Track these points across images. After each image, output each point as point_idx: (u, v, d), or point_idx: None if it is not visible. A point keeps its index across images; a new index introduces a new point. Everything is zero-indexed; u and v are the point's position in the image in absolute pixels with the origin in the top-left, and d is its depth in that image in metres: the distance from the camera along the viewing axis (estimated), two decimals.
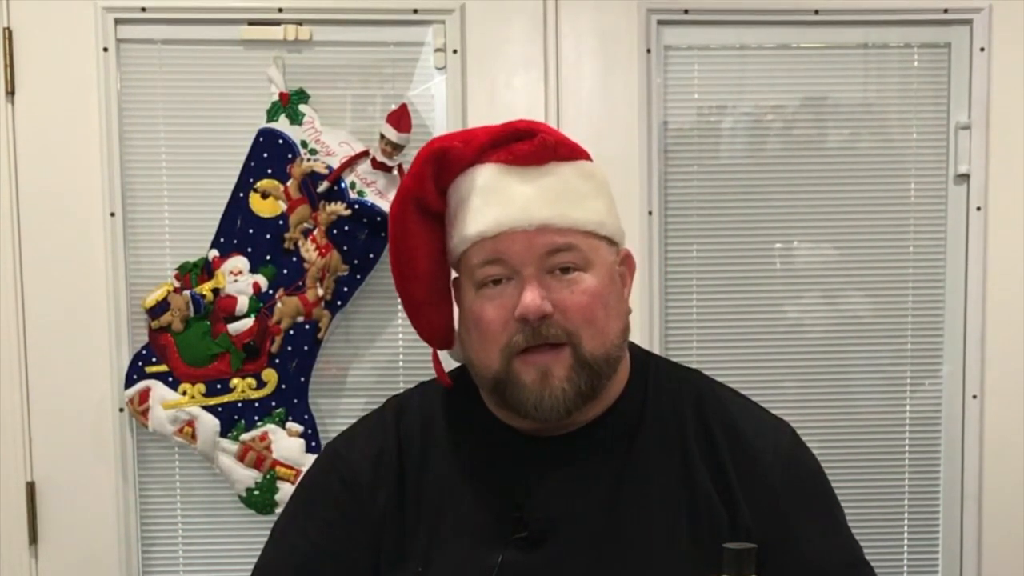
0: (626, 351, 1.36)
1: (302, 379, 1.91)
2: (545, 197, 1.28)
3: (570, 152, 1.33)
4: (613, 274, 1.32)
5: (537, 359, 1.27)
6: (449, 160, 1.30)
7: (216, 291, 1.88)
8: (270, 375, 1.90)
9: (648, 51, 1.92)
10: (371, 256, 1.88)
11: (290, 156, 1.87)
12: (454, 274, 1.37)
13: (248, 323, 1.88)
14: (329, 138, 1.88)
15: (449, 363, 1.43)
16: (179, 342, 1.88)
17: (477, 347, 1.30)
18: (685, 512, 1.31)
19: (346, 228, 1.87)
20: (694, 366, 1.47)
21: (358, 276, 1.89)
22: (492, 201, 1.28)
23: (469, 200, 1.29)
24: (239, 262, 1.88)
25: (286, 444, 1.90)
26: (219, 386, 1.89)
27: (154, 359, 1.89)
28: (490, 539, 1.30)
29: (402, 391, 1.48)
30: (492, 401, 1.35)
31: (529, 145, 1.29)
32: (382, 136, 1.86)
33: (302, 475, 1.49)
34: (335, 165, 1.87)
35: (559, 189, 1.29)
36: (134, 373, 1.89)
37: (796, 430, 1.41)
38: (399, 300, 1.39)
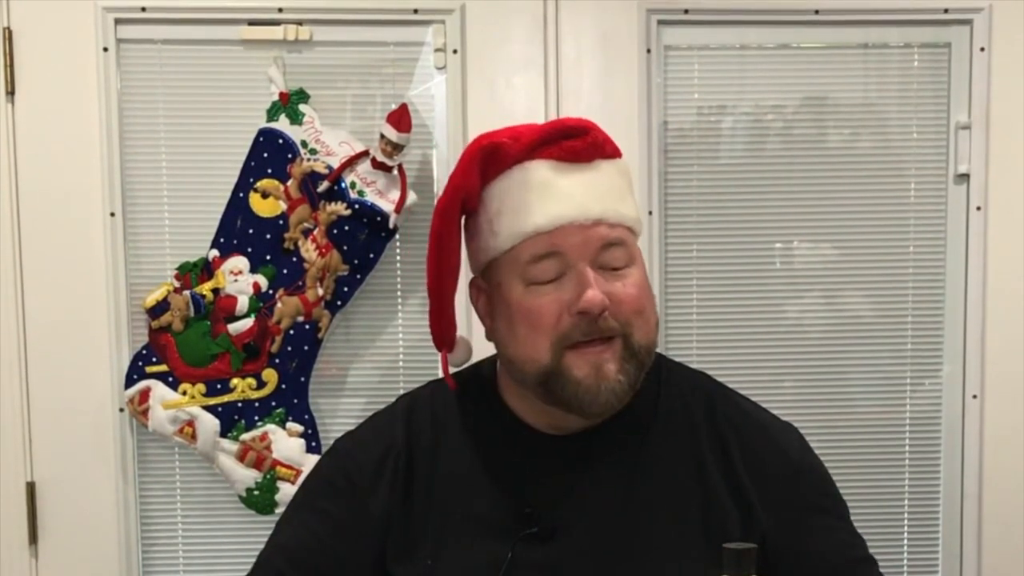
0: None
1: (302, 379, 1.91)
2: (596, 193, 1.29)
3: (614, 150, 1.34)
4: (646, 270, 1.34)
5: (590, 353, 1.26)
6: (499, 157, 1.30)
7: (216, 291, 1.88)
8: (270, 375, 1.90)
9: (648, 51, 1.92)
10: (371, 256, 1.88)
11: (290, 156, 1.87)
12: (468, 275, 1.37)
13: (248, 323, 1.88)
14: (329, 138, 1.88)
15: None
16: (179, 342, 1.88)
17: (524, 341, 1.28)
18: (696, 511, 1.31)
19: (346, 228, 1.87)
20: (694, 366, 1.47)
21: (358, 276, 1.89)
22: (548, 196, 1.28)
23: (521, 196, 1.29)
24: (239, 262, 1.88)
25: (286, 444, 1.90)
26: (219, 386, 1.89)
27: (154, 359, 1.89)
28: (500, 534, 1.30)
29: (414, 388, 1.48)
30: (536, 395, 1.32)
31: (581, 142, 1.30)
32: (382, 136, 1.86)
33: (310, 469, 1.49)
34: (335, 165, 1.87)
35: (607, 185, 1.30)
36: (134, 373, 1.89)
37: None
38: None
